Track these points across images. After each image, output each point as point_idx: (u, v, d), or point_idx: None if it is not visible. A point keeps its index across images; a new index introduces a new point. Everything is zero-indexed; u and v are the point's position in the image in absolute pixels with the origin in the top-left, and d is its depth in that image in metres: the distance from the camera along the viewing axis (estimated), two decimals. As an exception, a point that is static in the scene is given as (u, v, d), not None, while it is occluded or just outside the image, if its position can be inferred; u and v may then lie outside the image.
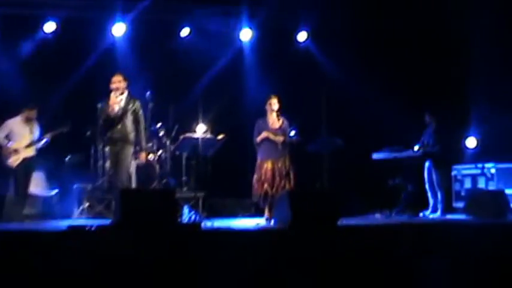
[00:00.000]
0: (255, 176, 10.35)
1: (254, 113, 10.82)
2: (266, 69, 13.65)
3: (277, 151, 10.33)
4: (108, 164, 9.86)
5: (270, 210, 10.12)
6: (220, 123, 12.15)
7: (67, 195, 11.82)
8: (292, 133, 10.48)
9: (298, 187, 10.28)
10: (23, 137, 10.91)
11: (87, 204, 11.85)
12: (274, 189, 10.12)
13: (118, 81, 9.66)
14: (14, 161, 10.77)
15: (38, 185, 11.38)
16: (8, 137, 10.87)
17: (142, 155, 10.54)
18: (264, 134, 10.31)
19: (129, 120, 9.68)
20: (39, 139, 10.98)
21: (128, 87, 9.77)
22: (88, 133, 11.99)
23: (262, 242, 7.58)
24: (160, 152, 12.18)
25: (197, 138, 10.98)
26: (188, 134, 11.32)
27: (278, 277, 6.88)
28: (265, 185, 10.18)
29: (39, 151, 11.13)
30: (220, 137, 11.45)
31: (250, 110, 11.26)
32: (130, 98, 9.75)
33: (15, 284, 6.09)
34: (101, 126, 9.82)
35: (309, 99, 13.47)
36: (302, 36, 14.18)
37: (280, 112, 10.47)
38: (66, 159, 12.41)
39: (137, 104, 9.77)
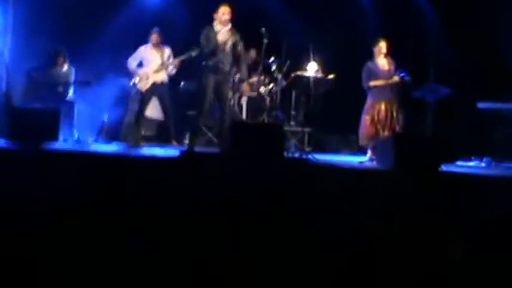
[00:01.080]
0: (367, 117, 10.25)
1: (364, 55, 10.68)
2: (375, 11, 13.48)
3: (390, 92, 10.27)
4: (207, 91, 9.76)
5: (373, 151, 10.13)
6: (331, 62, 12.03)
7: (179, 121, 12.02)
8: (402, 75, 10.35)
9: (403, 131, 10.20)
10: (153, 62, 11.08)
11: (200, 131, 12.12)
12: (386, 131, 10.08)
13: (226, 12, 9.66)
14: (143, 85, 10.98)
15: (153, 109, 11.60)
16: (141, 64, 11.11)
17: (245, 87, 10.65)
18: (379, 82, 10.21)
19: (228, 53, 9.73)
20: (167, 63, 11.10)
21: (231, 20, 9.75)
22: (204, 63, 12.18)
23: (365, 181, 7.62)
24: (271, 85, 12.25)
25: (308, 77, 10.90)
26: (299, 72, 11.30)
27: (377, 218, 6.91)
28: (378, 126, 10.14)
29: (170, 77, 11.34)
30: (330, 76, 11.40)
31: (361, 52, 11.09)
32: (232, 31, 9.78)
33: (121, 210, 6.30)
34: (205, 52, 9.75)
35: (417, 44, 13.21)
36: None
37: (390, 54, 10.40)
38: (181, 85, 12.64)
39: (238, 37, 9.79)
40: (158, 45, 11.15)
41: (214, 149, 10.79)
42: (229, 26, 9.71)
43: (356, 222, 6.48)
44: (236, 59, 9.84)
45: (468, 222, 6.73)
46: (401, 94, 10.40)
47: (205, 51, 9.61)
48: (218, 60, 9.59)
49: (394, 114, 10.19)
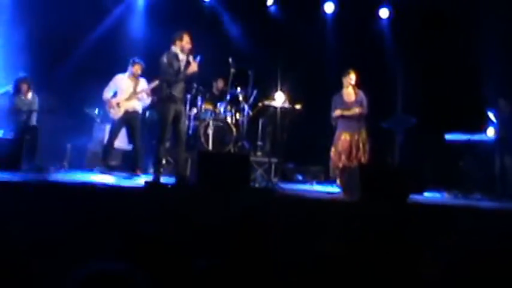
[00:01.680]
0: (333, 148, 10.41)
1: (332, 85, 10.75)
2: (346, 43, 13.59)
3: (354, 123, 10.35)
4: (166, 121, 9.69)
5: (341, 180, 10.14)
6: (298, 92, 12.08)
7: (146, 150, 11.93)
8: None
9: (370, 162, 10.25)
10: (126, 90, 11.07)
11: (163, 161, 12.05)
12: (350, 161, 10.16)
13: (188, 42, 9.55)
14: (116, 113, 10.94)
15: (120, 138, 11.46)
16: (115, 94, 11.08)
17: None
18: (337, 112, 10.36)
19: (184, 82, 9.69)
20: (138, 91, 11.07)
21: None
22: (168, 91, 12.17)
23: (332, 211, 7.61)
24: (238, 115, 12.27)
25: (275, 107, 10.87)
26: (266, 102, 11.32)
27: (344, 247, 6.91)
28: (343, 157, 10.24)
29: (145, 109, 11.42)
30: (297, 106, 11.44)
31: (329, 82, 11.18)
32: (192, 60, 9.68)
33: (89, 236, 6.24)
34: (169, 80, 9.50)
35: (386, 75, 13.35)
36: (384, 12, 14.07)
37: (357, 86, 10.48)
38: (146, 115, 12.61)
39: (195, 67, 9.59)
40: (135, 76, 11.12)
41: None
42: (190, 55, 9.67)
43: (319, 251, 6.51)
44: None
45: (435, 252, 6.79)
46: (368, 125, 10.49)
47: (170, 78, 9.43)
48: (180, 89, 9.53)
49: (360, 145, 10.25)
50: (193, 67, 9.45)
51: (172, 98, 9.38)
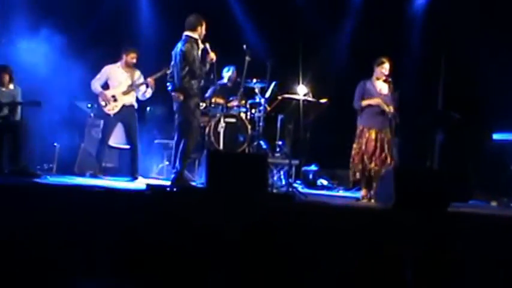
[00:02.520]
0: (354, 146, 10.39)
1: (362, 76, 10.74)
2: (377, 29, 13.59)
3: (381, 119, 10.35)
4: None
5: (367, 187, 10.25)
6: (323, 85, 12.12)
7: (146, 151, 12.10)
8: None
9: (405, 164, 10.28)
10: (123, 83, 11.20)
11: (167, 162, 12.16)
12: (373, 163, 10.16)
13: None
14: (111, 108, 11.07)
15: (116, 136, 11.62)
16: (106, 85, 11.19)
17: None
18: (375, 100, 10.30)
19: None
20: (137, 84, 11.22)
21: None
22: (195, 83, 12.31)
23: (359, 221, 7.66)
24: (253, 111, 12.33)
25: (297, 100, 10.88)
26: (287, 95, 11.36)
27: (374, 263, 6.96)
28: (365, 158, 10.23)
29: (144, 100, 11.54)
30: (323, 101, 11.43)
31: (358, 73, 11.20)
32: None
33: (85, 242, 6.35)
34: (198, 72, 9.81)
35: (425, 66, 13.36)
36: None
37: (390, 78, 10.47)
38: (147, 111, 12.73)
39: (214, 57, 9.91)
40: (131, 66, 11.27)
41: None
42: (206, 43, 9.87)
43: (344, 266, 6.60)
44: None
45: (479, 271, 6.86)
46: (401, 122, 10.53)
47: (196, 70, 9.68)
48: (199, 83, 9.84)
49: (386, 145, 10.26)
50: (212, 56, 9.64)
51: (197, 93, 9.82)
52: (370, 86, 10.46)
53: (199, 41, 9.73)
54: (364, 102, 10.35)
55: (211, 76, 10.08)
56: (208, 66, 9.75)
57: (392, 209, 8.39)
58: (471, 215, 8.96)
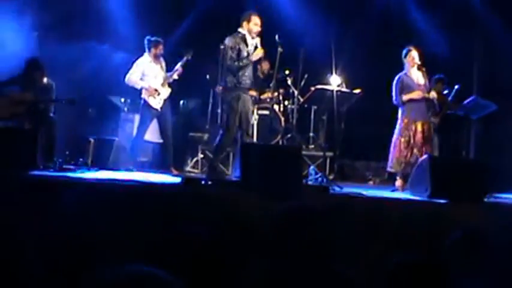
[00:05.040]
0: (401, 139, 10.38)
1: (397, 66, 10.80)
2: (410, 14, 13.61)
3: (427, 110, 10.44)
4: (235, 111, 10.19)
5: (404, 178, 10.27)
6: (357, 75, 12.14)
7: (180, 144, 12.23)
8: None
9: (441, 154, 10.28)
10: (158, 75, 11.35)
11: (201, 155, 12.28)
12: (422, 155, 10.07)
13: (259, 24, 10.12)
14: (157, 102, 11.21)
15: (152, 130, 11.75)
16: (141, 79, 11.30)
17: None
18: (417, 93, 10.34)
19: (258, 68, 10.09)
20: (171, 74, 11.35)
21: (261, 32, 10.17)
22: (207, 76, 12.42)
23: (394, 213, 7.69)
24: (286, 103, 12.38)
25: (331, 91, 10.90)
26: (320, 86, 11.42)
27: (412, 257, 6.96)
28: (415, 150, 10.26)
29: (174, 95, 11.68)
30: (356, 91, 11.48)
31: (393, 62, 11.22)
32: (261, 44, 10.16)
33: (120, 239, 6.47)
34: (228, 68, 10.16)
35: (459, 52, 13.31)
36: None
37: (423, 66, 10.52)
38: (181, 104, 12.84)
39: (261, 52, 10.19)
40: (157, 57, 11.40)
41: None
42: (259, 38, 10.18)
43: (381, 260, 6.63)
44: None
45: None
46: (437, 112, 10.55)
47: (232, 64, 10.07)
48: (248, 75, 10.13)
49: (430, 136, 10.36)
50: (258, 52, 9.83)
51: (238, 86, 9.97)
52: (407, 79, 10.49)
53: (248, 36, 9.97)
54: (405, 98, 10.38)
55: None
56: (249, 61, 10.05)
57: (427, 200, 8.44)
58: (508, 206, 8.92)
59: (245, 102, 10.12)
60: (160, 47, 11.34)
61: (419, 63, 10.44)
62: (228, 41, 10.02)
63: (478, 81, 12.45)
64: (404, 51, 10.57)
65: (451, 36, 13.05)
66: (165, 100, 11.26)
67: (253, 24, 10.05)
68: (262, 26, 10.15)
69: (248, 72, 10.10)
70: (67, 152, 11.50)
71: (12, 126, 10.40)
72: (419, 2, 13.46)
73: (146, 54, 11.36)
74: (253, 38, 10.08)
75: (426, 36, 12.37)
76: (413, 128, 10.34)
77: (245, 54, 10.03)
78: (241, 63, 9.99)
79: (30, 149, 9.41)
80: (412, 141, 10.29)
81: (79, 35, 12.33)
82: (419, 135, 10.30)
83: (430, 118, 10.44)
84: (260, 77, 12.85)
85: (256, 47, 10.04)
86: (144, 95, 11.22)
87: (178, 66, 11.28)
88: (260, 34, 10.14)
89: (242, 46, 10.01)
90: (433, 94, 10.37)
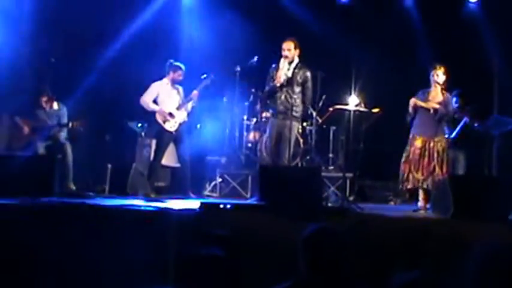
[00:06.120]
0: (404, 154, 10.40)
1: (416, 85, 10.76)
2: (430, 34, 13.60)
3: (431, 127, 10.30)
4: (266, 137, 10.34)
5: (424, 197, 10.21)
6: (376, 95, 12.10)
7: (198, 168, 12.22)
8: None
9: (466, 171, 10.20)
10: (174, 99, 11.42)
11: (219, 179, 12.27)
12: (419, 173, 10.13)
13: (287, 49, 10.29)
14: (171, 126, 11.26)
15: (169, 155, 11.78)
16: (155, 102, 11.35)
17: None
18: (413, 101, 10.27)
19: (295, 93, 10.13)
20: (188, 99, 11.40)
21: (300, 55, 10.37)
22: (224, 99, 12.46)
23: (415, 233, 7.62)
24: (305, 124, 12.37)
25: (349, 111, 10.85)
26: (339, 106, 11.38)
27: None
28: (411, 166, 10.23)
29: (191, 119, 11.71)
30: (375, 110, 11.45)
31: (412, 81, 11.20)
32: (301, 68, 10.34)
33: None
34: (266, 93, 10.60)
35: (479, 70, 13.26)
36: None
37: (446, 86, 10.43)
38: (198, 127, 12.86)
39: (307, 74, 10.39)
40: (175, 82, 11.47)
41: (241, 199, 10.97)
42: (295, 62, 10.43)
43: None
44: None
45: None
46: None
47: (264, 90, 10.71)
48: (278, 101, 10.39)
49: (435, 154, 10.19)
50: (279, 75, 10.07)
51: (272, 112, 10.60)
52: (424, 94, 10.43)
53: (282, 61, 10.31)
54: (411, 102, 10.31)
55: (276, 96, 10.37)
56: (274, 86, 10.39)
57: (449, 219, 8.37)
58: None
59: (278, 127, 10.40)
60: (180, 72, 11.39)
61: (439, 81, 10.35)
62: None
63: (499, 97, 12.38)
64: (431, 68, 10.51)
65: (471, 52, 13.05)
66: (180, 123, 11.27)
67: (284, 47, 10.32)
68: (290, 50, 10.31)
69: (277, 97, 10.38)
70: (86, 179, 11.51)
71: (29, 154, 10.44)
72: (437, 21, 13.42)
73: (165, 78, 11.41)
74: (288, 63, 10.35)
75: (446, 54, 12.25)
76: (414, 143, 10.31)
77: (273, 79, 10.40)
78: (270, 90, 10.44)
79: (46, 176, 9.49)
80: (410, 156, 10.29)
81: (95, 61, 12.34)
82: (416, 152, 10.24)
83: (438, 135, 10.31)
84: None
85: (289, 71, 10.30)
86: (157, 118, 11.30)
87: (195, 93, 11.36)
88: (287, 58, 10.34)
89: (274, 72, 10.42)
90: (431, 105, 10.26)
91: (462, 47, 13.20)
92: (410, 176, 10.23)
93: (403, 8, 14.10)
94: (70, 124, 11.25)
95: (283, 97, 10.33)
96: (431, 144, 10.24)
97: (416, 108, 10.31)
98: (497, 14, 13.34)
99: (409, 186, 10.32)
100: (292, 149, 10.48)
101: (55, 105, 11.48)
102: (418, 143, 10.28)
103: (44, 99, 11.50)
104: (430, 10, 13.59)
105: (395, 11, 13.94)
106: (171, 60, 11.41)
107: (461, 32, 13.37)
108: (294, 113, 10.32)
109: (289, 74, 10.30)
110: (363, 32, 13.26)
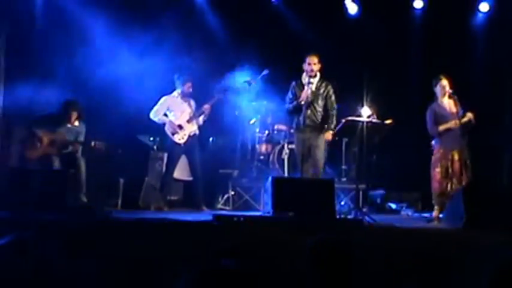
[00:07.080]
0: (438, 170, 10.36)
1: (428, 95, 10.83)
2: (437, 44, 13.64)
3: (460, 139, 10.35)
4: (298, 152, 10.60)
5: (440, 208, 10.21)
6: (388, 106, 12.12)
7: (210, 182, 12.29)
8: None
9: (475, 182, 10.23)
10: (184, 112, 11.55)
11: (232, 192, 12.33)
12: (461, 184, 10.10)
13: (313, 63, 10.49)
14: (181, 138, 11.40)
15: (180, 168, 11.88)
16: (165, 115, 11.51)
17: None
18: (453, 123, 10.29)
19: (320, 106, 10.20)
20: (199, 112, 11.53)
21: (322, 69, 10.55)
22: (236, 112, 12.50)
23: (427, 243, 7.65)
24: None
25: (362, 122, 10.85)
26: (351, 117, 11.41)
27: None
28: (454, 180, 10.24)
29: (199, 128, 11.75)
30: (387, 122, 11.43)
31: (423, 92, 11.22)
32: (323, 81, 10.51)
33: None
34: (291, 109, 10.69)
35: (488, 81, 13.30)
36: (484, 6, 13.84)
37: (454, 94, 10.48)
38: (210, 141, 12.92)
39: (329, 88, 10.54)
40: (186, 95, 11.60)
41: (253, 212, 11.01)
42: (318, 77, 10.63)
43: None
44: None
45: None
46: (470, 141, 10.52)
47: (288, 106, 10.74)
48: (305, 115, 10.45)
49: (468, 163, 10.27)
50: (304, 92, 10.29)
51: (297, 127, 10.52)
52: (440, 109, 10.50)
53: (304, 77, 10.49)
54: (442, 128, 10.39)
55: (305, 111, 10.45)
56: (299, 102, 10.50)
57: (462, 230, 8.39)
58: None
59: (307, 142, 10.51)
60: (189, 84, 11.53)
61: (450, 91, 10.41)
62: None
63: (510, 107, 12.38)
64: (434, 81, 10.60)
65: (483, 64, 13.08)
66: (190, 136, 11.40)
67: (306, 65, 10.52)
68: (315, 64, 10.53)
69: (304, 112, 10.46)
70: (99, 193, 11.56)
71: (42, 168, 10.50)
72: (451, 33, 13.45)
73: (175, 91, 11.59)
74: (307, 77, 10.51)
75: (458, 65, 12.29)
76: (450, 157, 10.31)
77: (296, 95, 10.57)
78: (293, 105, 10.60)
79: (59, 190, 9.56)
80: (450, 170, 10.27)
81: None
82: (457, 165, 10.26)
83: (465, 145, 10.35)
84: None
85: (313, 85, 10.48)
86: (166, 130, 11.46)
87: (207, 104, 11.51)
88: (311, 73, 10.56)
89: (297, 88, 10.60)
90: (469, 115, 10.33)
91: (471, 56, 13.20)
92: (449, 189, 10.22)
93: (411, 18, 14.09)
94: (92, 143, 11.26)
95: (309, 112, 10.47)
96: (465, 156, 10.33)
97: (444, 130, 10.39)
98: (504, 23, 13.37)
99: (445, 199, 10.20)
100: (324, 159, 10.68)
101: (76, 123, 11.44)
102: (455, 156, 10.31)
103: (74, 115, 11.52)
104: (440, 21, 13.58)
105: (403, 22, 13.94)
106: (182, 75, 11.58)
107: (470, 43, 13.38)
108: (321, 125, 10.55)
109: (313, 88, 10.42)
110: (373, 44, 13.27)
